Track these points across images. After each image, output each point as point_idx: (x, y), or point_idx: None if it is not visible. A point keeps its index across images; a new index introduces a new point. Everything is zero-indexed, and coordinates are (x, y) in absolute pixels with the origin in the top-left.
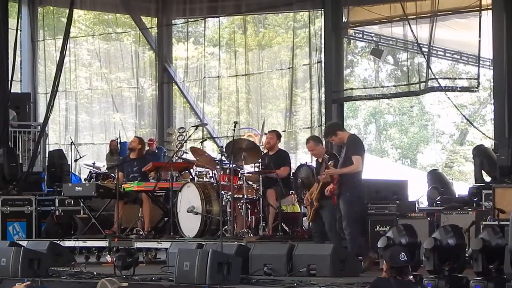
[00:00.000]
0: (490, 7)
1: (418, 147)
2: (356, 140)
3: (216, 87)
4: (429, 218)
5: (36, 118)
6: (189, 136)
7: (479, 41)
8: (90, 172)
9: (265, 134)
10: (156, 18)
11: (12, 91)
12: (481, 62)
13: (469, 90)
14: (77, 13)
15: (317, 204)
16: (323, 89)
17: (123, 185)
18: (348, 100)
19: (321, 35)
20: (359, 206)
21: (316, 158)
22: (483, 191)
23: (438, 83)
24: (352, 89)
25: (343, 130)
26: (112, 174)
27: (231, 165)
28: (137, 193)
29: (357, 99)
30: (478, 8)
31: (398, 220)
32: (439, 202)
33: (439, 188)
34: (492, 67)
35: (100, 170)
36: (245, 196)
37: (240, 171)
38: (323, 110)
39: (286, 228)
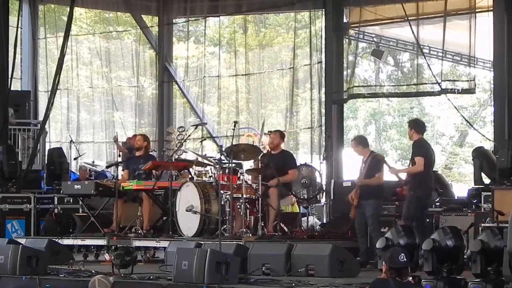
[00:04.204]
0: (491, 8)
1: None
2: (421, 144)
3: (216, 87)
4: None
5: (36, 116)
6: (189, 135)
7: (474, 42)
8: (89, 170)
9: (265, 134)
10: (157, 17)
11: (12, 88)
12: (481, 63)
13: (467, 92)
14: (78, 11)
15: (356, 203)
16: (323, 90)
17: (122, 184)
18: (348, 99)
19: (322, 35)
20: (416, 205)
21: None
22: (482, 193)
23: (440, 86)
24: (358, 86)
25: (419, 133)
26: (110, 171)
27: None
28: (137, 192)
29: (356, 97)
30: (474, 10)
31: (397, 221)
32: (438, 204)
33: (438, 189)
34: (492, 69)
35: (104, 168)
36: (244, 196)
37: (240, 171)
38: (323, 111)
39: (285, 228)
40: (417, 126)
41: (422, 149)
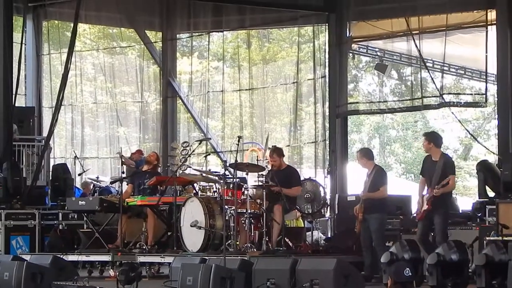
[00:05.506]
0: (495, 22)
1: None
2: (451, 161)
3: (220, 102)
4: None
5: (41, 132)
6: (193, 151)
7: (486, 56)
8: (93, 186)
9: (269, 148)
10: (161, 33)
11: (16, 105)
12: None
13: (477, 106)
14: (82, 27)
15: (360, 217)
16: (327, 104)
17: (126, 199)
18: (351, 114)
19: (325, 49)
20: (448, 222)
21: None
22: (486, 206)
23: (443, 98)
24: (356, 103)
25: (438, 146)
26: (114, 187)
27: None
28: (141, 207)
29: (358, 113)
30: (484, 24)
31: (401, 235)
32: None
33: None
34: (496, 82)
35: (108, 184)
36: (249, 211)
37: (244, 186)
38: (327, 125)
39: (290, 243)
40: (436, 139)
41: (454, 167)
